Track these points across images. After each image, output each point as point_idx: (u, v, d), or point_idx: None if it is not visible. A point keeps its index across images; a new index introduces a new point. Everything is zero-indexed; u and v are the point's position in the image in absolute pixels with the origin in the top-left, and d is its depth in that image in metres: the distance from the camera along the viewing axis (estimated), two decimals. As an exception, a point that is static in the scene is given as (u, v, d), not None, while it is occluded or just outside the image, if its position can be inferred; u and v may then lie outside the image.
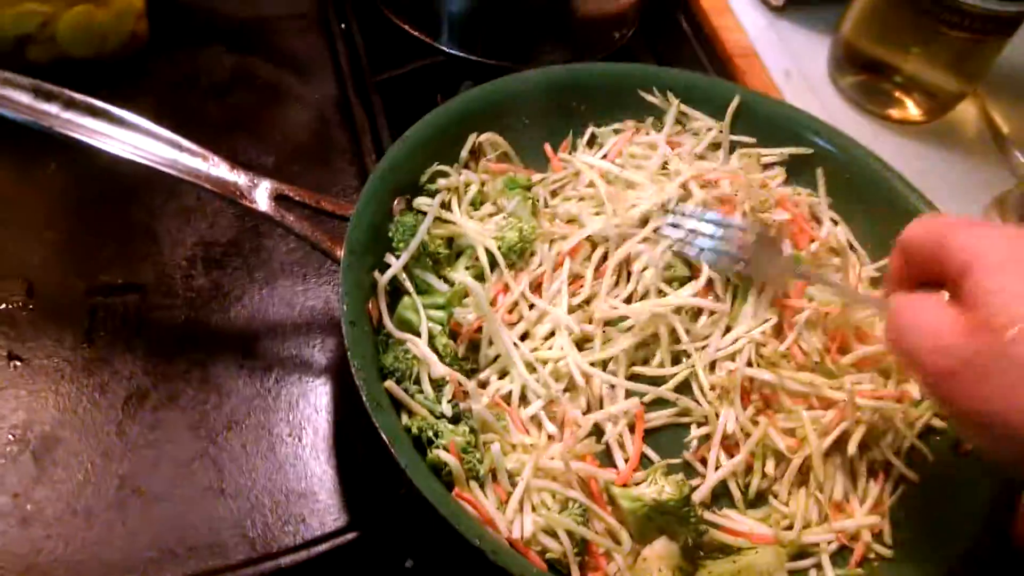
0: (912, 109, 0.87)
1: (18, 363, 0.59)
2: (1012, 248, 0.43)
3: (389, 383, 0.53)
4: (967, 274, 0.43)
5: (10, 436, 0.56)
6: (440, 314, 0.58)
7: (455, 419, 0.53)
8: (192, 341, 0.62)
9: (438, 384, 0.55)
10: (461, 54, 0.82)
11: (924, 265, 0.48)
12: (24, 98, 0.56)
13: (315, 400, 0.60)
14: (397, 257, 0.58)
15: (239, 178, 0.58)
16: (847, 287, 0.63)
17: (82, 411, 0.57)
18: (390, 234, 0.59)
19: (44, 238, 0.65)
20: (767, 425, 0.55)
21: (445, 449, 0.51)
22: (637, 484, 0.53)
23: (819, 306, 0.59)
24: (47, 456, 0.55)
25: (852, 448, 0.56)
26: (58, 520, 0.53)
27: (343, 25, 0.83)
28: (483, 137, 0.66)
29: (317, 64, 0.81)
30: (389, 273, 0.57)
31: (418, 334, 0.56)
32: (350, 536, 0.55)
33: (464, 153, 0.65)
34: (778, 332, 0.59)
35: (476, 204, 0.65)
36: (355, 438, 0.59)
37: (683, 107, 0.71)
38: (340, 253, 0.55)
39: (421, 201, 0.62)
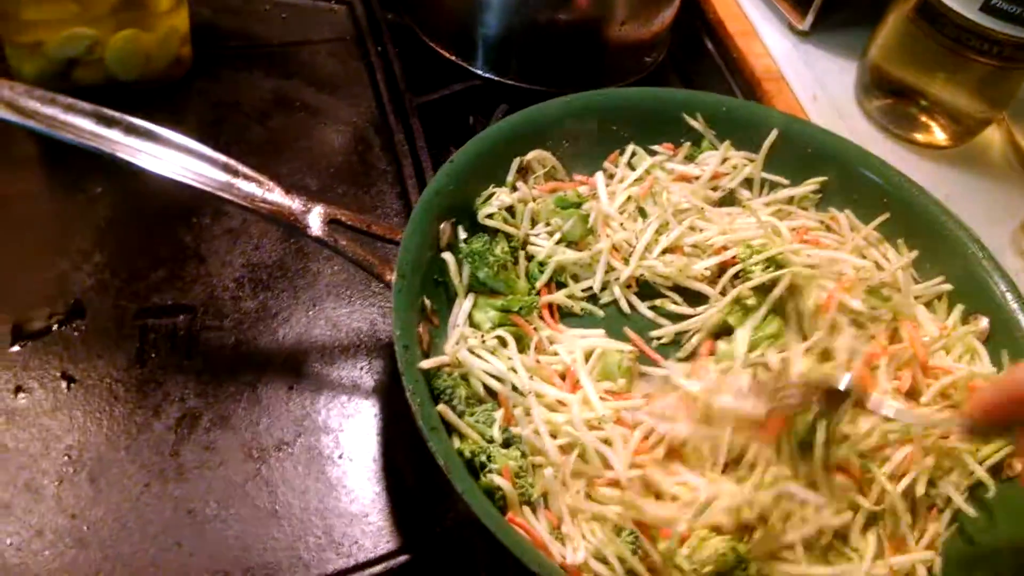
0: (938, 134, 0.88)
1: (72, 384, 0.59)
2: None
3: (442, 407, 0.54)
4: None
5: (66, 457, 0.56)
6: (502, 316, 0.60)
7: (506, 444, 0.54)
8: (242, 363, 0.62)
9: (487, 408, 0.56)
10: (496, 78, 0.83)
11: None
12: (87, 124, 0.57)
13: (364, 422, 0.61)
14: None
15: (293, 203, 0.59)
16: (920, 414, 0.60)
17: (135, 432, 0.58)
18: (465, 261, 0.61)
19: (94, 260, 0.65)
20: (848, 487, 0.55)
21: (499, 474, 0.52)
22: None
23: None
24: (102, 477, 0.56)
25: (921, 489, 0.56)
26: (114, 541, 0.53)
27: (379, 49, 0.85)
28: (531, 155, 0.68)
29: (356, 88, 0.82)
30: (461, 315, 0.60)
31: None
32: (402, 559, 0.55)
33: (511, 175, 0.67)
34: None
35: (531, 223, 0.66)
36: (404, 460, 0.60)
37: (719, 140, 0.72)
38: (390, 276, 0.56)
39: (484, 213, 0.64)
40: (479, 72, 0.84)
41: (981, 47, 0.78)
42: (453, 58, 0.84)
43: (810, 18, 0.94)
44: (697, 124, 0.72)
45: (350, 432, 0.60)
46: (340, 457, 0.59)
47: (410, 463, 0.59)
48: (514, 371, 0.56)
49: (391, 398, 0.62)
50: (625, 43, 0.84)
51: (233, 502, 0.56)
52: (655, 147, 0.73)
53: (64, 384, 0.59)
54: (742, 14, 0.97)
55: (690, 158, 0.73)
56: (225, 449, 0.58)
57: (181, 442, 0.58)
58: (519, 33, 0.82)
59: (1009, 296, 0.64)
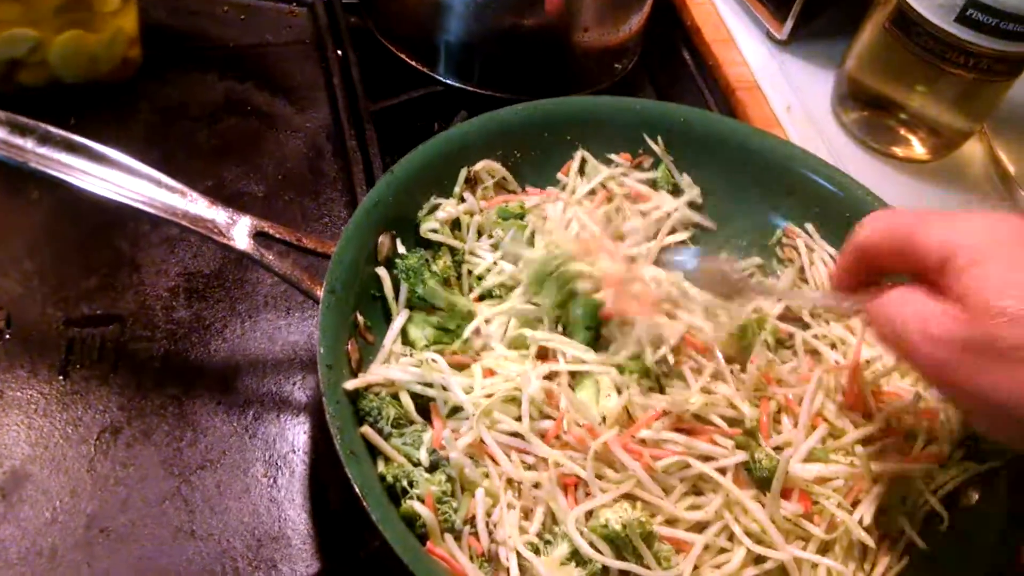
0: (917, 147, 0.85)
1: (-9, 395, 0.58)
2: (991, 234, 0.44)
3: (365, 428, 0.52)
4: (948, 266, 0.43)
5: (-22, 471, 0.54)
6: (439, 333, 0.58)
7: (433, 467, 0.52)
8: (170, 375, 0.60)
9: (416, 429, 0.53)
10: (458, 84, 0.81)
11: (889, 262, 0.48)
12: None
13: (292, 439, 0.59)
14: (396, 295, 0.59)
15: (217, 215, 0.57)
16: (809, 291, 0.63)
17: (53, 446, 0.56)
18: (400, 278, 0.59)
19: (24, 267, 0.64)
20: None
21: (420, 499, 0.49)
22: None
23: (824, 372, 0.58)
24: (15, 493, 0.54)
25: (868, 518, 0.53)
26: (22, 560, 0.52)
27: (339, 53, 0.83)
28: (479, 165, 0.65)
29: (312, 92, 0.80)
30: (390, 335, 0.57)
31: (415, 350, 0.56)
32: (322, 583, 0.53)
33: (458, 187, 0.64)
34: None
35: (476, 236, 0.64)
36: (331, 482, 0.58)
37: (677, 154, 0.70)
38: (320, 292, 0.54)
39: (427, 227, 0.62)
40: (441, 78, 0.82)
41: (958, 59, 0.76)
42: (415, 63, 0.82)
43: (788, 26, 0.92)
44: (657, 148, 0.70)
45: (277, 451, 0.59)
46: (265, 476, 0.57)
47: (337, 484, 0.57)
48: (444, 389, 0.54)
49: (321, 417, 0.59)
50: (591, 50, 0.82)
51: (149, 521, 0.54)
52: (612, 155, 0.70)
53: (-17, 395, 0.58)
54: (720, 21, 0.95)
55: (652, 183, 0.70)
56: (145, 465, 0.56)
57: (99, 457, 0.56)
58: (482, 39, 0.80)
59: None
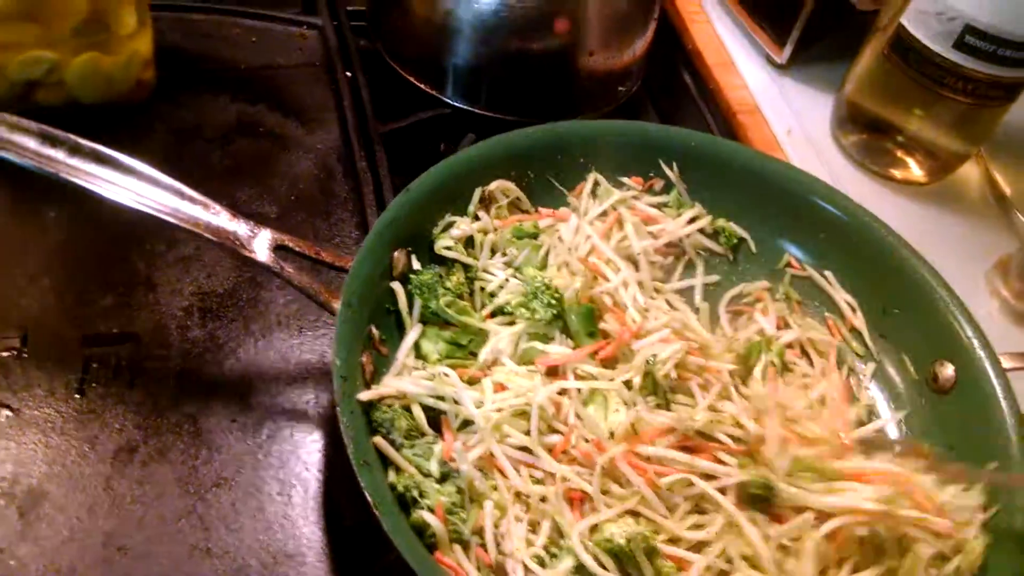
0: (915, 170, 0.87)
1: (9, 413, 0.58)
2: None
3: (377, 439, 0.53)
4: None
5: (-4, 489, 0.55)
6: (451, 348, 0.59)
7: (443, 478, 0.53)
8: (185, 394, 0.61)
9: (427, 441, 0.54)
10: (466, 107, 0.83)
11: None
12: (31, 143, 0.56)
13: (306, 457, 0.60)
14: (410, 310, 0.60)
15: (239, 227, 0.58)
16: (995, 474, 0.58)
17: (70, 464, 0.57)
18: (414, 293, 0.60)
19: (42, 286, 0.65)
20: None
21: (430, 510, 0.50)
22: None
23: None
24: (33, 511, 0.54)
25: None
26: (40, 577, 0.52)
27: (349, 75, 0.84)
28: (493, 185, 0.66)
29: (322, 114, 0.81)
30: (403, 348, 0.58)
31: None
32: (338, 601, 0.54)
33: (472, 206, 0.66)
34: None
35: (490, 254, 0.65)
36: (345, 499, 0.58)
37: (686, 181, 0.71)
38: (337, 305, 0.55)
39: (442, 244, 0.63)
40: (449, 100, 0.83)
41: (955, 84, 0.77)
42: (423, 86, 0.83)
43: (788, 50, 0.93)
44: (672, 174, 0.71)
45: (292, 468, 0.59)
46: (279, 494, 0.58)
47: (351, 502, 0.58)
48: (455, 402, 0.55)
49: (335, 434, 0.60)
50: (596, 73, 0.84)
51: (165, 539, 0.55)
52: (623, 178, 0.72)
53: (2, 413, 0.58)
54: (720, 46, 0.97)
55: (665, 206, 0.71)
56: (161, 483, 0.57)
57: (116, 475, 0.57)
58: (489, 62, 0.81)
59: (976, 343, 0.62)
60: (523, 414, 0.55)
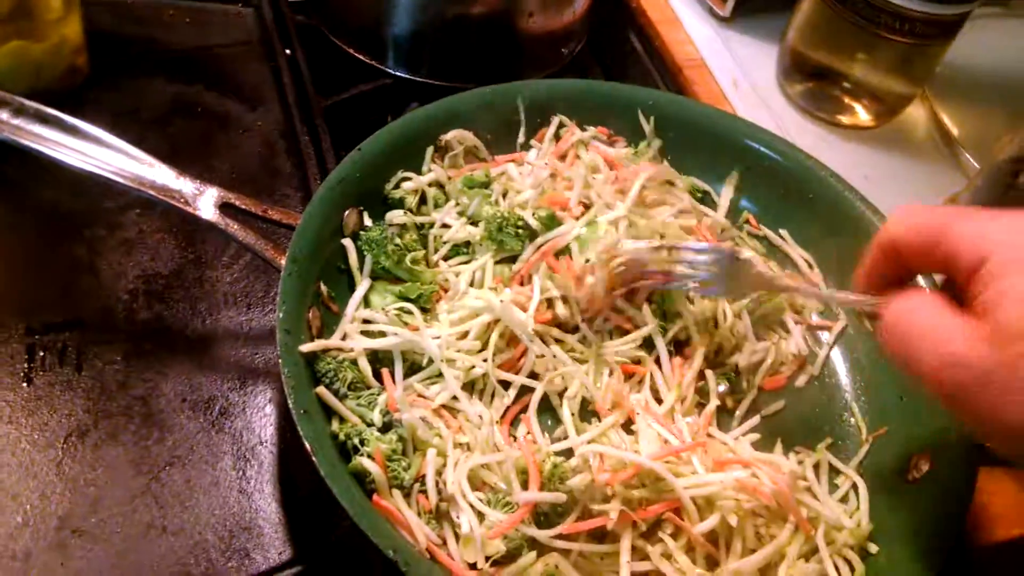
0: (862, 114, 0.87)
1: (-45, 406, 0.58)
2: None
3: (320, 389, 0.53)
4: (978, 271, 0.40)
5: (-54, 481, 0.55)
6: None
7: (386, 427, 0.53)
8: (134, 376, 0.61)
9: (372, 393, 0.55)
10: (408, 76, 0.82)
11: (917, 260, 0.44)
12: None
13: (260, 432, 0.60)
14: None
15: (184, 185, 0.58)
16: (827, 292, 0.63)
17: (20, 452, 0.56)
18: (363, 250, 0.60)
19: (-18, 277, 0.64)
20: None
21: (369, 456, 0.50)
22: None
23: None
24: (-16, 500, 0.54)
25: None
26: (-6, 565, 0.52)
27: (288, 51, 0.83)
28: (450, 134, 0.67)
29: (262, 91, 0.80)
30: (352, 302, 0.58)
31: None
32: (295, 570, 0.54)
33: (428, 156, 0.66)
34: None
35: (440, 204, 0.65)
36: (299, 470, 0.58)
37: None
38: (283, 262, 0.55)
39: (392, 215, 0.63)
40: (390, 71, 0.82)
41: (893, 24, 0.78)
42: (363, 58, 0.83)
43: (730, 3, 0.93)
44: (646, 126, 0.71)
45: (245, 443, 0.59)
46: (234, 469, 0.58)
47: (305, 472, 0.57)
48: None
49: (287, 408, 0.60)
50: (537, 35, 0.83)
51: (120, 519, 0.55)
52: (589, 127, 0.72)
53: (-53, 406, 0.58)
54: (664, 2, 0.96)
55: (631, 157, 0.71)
56: (113, 465, 0.57)
57: (67, 460, 0.56)
58: (428, 29, 0.81)
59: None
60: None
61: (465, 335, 0.57)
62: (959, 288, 0.42)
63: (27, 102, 0.58)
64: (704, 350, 0.60)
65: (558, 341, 0.59)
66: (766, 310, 0.65)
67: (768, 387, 0.62)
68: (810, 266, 0.68)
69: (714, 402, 0.59)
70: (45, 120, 0.58)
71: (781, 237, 0.70)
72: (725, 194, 0.71)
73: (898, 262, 0.45)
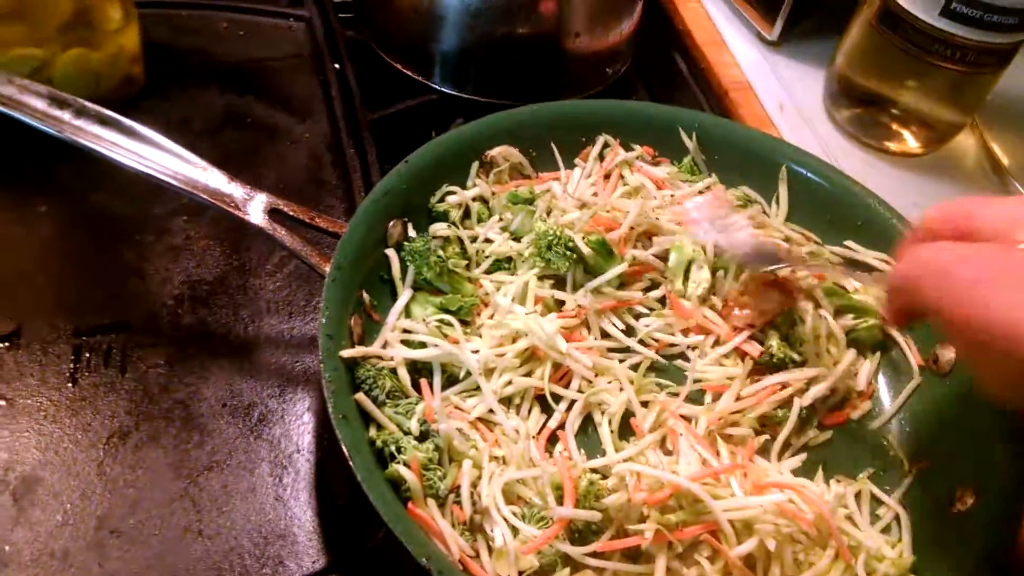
0: (910, 141, 0.86)
1: (2, 403, 0.59)
2: None
3: (359, 395, 0.53)
4: (1001, 239, 0.42)
5: (-9, 477, 0.56)
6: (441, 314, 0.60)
7: (423, 436, 0.53)
8: (176, 380, 0.62)
9: (410, 402, 0.55)
10: (453, 92, 0.83)
11: (947, 238, 0.45)
12: (39, 104, 0.59)
13: (298, 439, 0.60)
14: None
15: (235, 190, 0.60)
16: (847, 268, 0.63)
17: (63, 451, 0.57)
18: (407, 260, 0.61)
19: (34, 279, 0.65)
20: None
21: (406, 465, 0.50)
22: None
23: None
24: (27, 497, 0.55)
25: None
26: (35, 562, 0.53)
27: (337, 65, 0.84)
28: (496, 150, 0.67)
29: (311, 104, 0.81)
30: (393, 311, 0.59)
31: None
32: (329, 578, 0.54)
33: (473, 171, 0.66)
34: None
35: (483, 218, 0.66)
36: (336, 479, 0.59)
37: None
38: (328, 268, 0.56)
39: (436, 227, 0.64)
40: (436, 86, 0.83)
41: (945, 52, 0.77)
42: (410, 73, 0.83)
43: (778, 27, 0.93)
44: (689, 143, 0.71)
45: (283, 450, 0.60)
46: (271, 476, 0.58)
47: (342, 482, 0.58)
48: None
49: (326, 415, 0.60)
50: (583, 55, 0.84)
51: (158, 521, 0.55)
52: (634, 145, 0.72)
53: (-5, 403, 0.59)
54: (711, 24, 0.96)
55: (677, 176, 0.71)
56: (153, 467, 0.57)
57: (108, 460, 0.57)
58: (475, 47, 0.81)
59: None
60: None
61: (504, 353, 0.57)
62: None
63: (88, 104, 0.60)
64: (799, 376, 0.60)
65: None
66: (859, 335, 0.64)
67: (828, 423, 0.61)
68: (888, 264, 0.66)
69: (786, 432, 0.58)
70: (104, 122, 0.60)
71: (847, 247, 0.68)
72: (778, 210, 0.70)
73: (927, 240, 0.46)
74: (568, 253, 0.60)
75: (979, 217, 0.44)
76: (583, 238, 0.61)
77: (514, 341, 0.57)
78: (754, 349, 0.61)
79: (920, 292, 0.44)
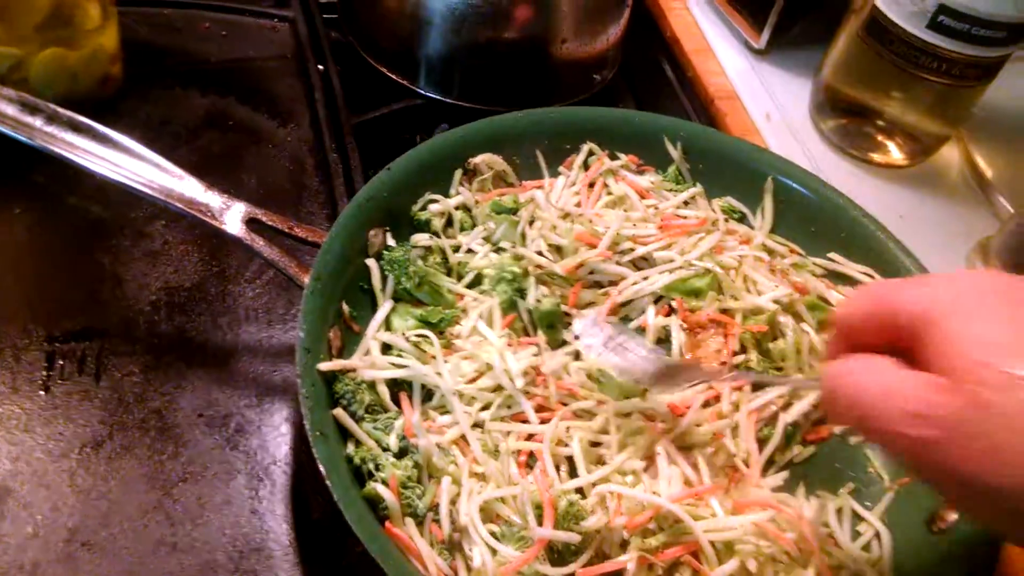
0: (895, 152, 0.86)
1: (-28, 411, 0.58)
2: (971, 286, 0.39)
3: (338, 411, 0.52)
4: (924, 328, 0.38)
5: (-42, 487, 0.54)
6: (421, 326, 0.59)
7: (401, 453, 0.52)
8: (152, 388, 0.60)
9: (389, 416, 0.54)
10: (438, 97, 0.82)
11: (868, 336, 0.42)
12: (9, 109, 0.58)
13: (275, 451, 0.59)
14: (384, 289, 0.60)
15: (212, 199, 0.58)
16: (785, 377, 0.60)
17: (34, 461, 0.56)
18: (385, 270, 0.60)
19: (6, 283, 0.64)
20: None
21: (384, 483, 0.50)
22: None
23: None
24: (-5, 508, 0.54)
25: None
26: (4, 575, 0.52)
27: (321, 67, 0.83)
28: (479, 158, 0.66)
29: (293, 106, 0.80)
30: (373, 323, 0.58)
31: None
32: (304, 594, 0.53)
33: (456, 179, 0.65)
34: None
35: (466, 227, 0.65)
36: (313, 492, 0.58)
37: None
38: (307, 279, 0.55)
39: (418, 238, 0.63)
40: (421, 91, 0.82)
41: (931, 65, 0.77)
42: (395, 77, 0.83)
43: (765, 35, 0.93)
44: (674, 152, 0.71)
45: (259, 462, 0.59)
46: (247, 488, 0.57)
47: (318, 496, 0.57)
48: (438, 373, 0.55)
49: (303, 428, 0.59)
50: (569, 61, 0.83)
51: (131, 534, 0.54)
52: (620, 154, 0.71)
53: (-36, 411, 0.58)
54: (698, 32, 0.96)
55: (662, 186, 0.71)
56: (127, 479, 0.56)
57: (81, 471, 0.56)
58: (461, 52, 0.80)
59: None
60: (496, 389, 0.55)
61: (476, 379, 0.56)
62: (908, 354, 0.40)
63: (60, 110, 0.58)
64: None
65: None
66: None
67: (811, 438, 0.60)
68: (871, 277, 0.65)
69: (770, 449, 0.57)
70: (77, 128, 0.58)
71: (831, 259, 0.68)
72: (763, 222, 0.70)
73: (852, 341, 0.44)
74: (517, 294, 0.60)
75: (898, 303, 0.41)
76: (537, 300, 0.60)
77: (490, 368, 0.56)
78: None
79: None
